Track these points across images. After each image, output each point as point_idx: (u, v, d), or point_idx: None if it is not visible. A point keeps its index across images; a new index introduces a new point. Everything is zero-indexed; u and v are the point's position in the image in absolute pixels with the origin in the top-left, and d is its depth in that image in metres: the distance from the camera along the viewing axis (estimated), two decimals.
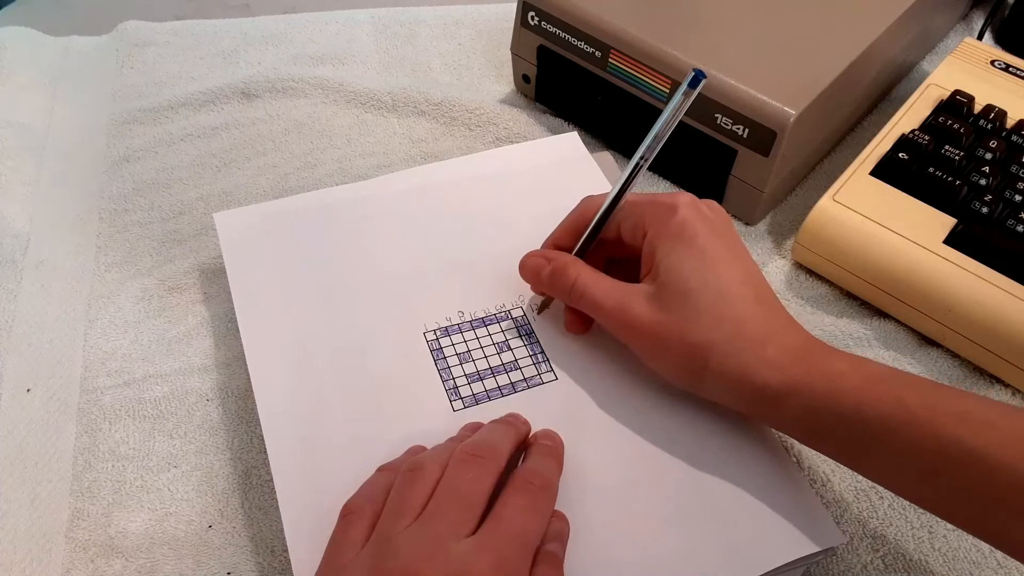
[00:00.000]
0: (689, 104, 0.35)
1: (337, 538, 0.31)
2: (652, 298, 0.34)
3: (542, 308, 0.41)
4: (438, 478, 0.31)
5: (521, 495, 0.30)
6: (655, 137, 0.35)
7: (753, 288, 0.34)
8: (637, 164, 0.36)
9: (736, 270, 0.34)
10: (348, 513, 0.31)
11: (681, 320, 0.33)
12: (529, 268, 0.39)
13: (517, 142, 0.54)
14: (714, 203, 0.37)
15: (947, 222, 0.44)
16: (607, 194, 0.37)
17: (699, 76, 0.34)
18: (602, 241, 0.38)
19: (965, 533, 0.38)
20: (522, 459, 0.34)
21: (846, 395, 0.31)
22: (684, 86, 0.34)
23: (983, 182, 0.45)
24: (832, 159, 0.55)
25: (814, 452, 0.40)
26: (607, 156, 0.51)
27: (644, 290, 0.35)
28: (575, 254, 0.38)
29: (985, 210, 0.44)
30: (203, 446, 0.40)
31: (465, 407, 0.38)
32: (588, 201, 0.39)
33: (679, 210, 0.35)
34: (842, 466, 0.40)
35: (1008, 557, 0.37)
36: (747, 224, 0.51)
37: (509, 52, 0.56)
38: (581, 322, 0.39)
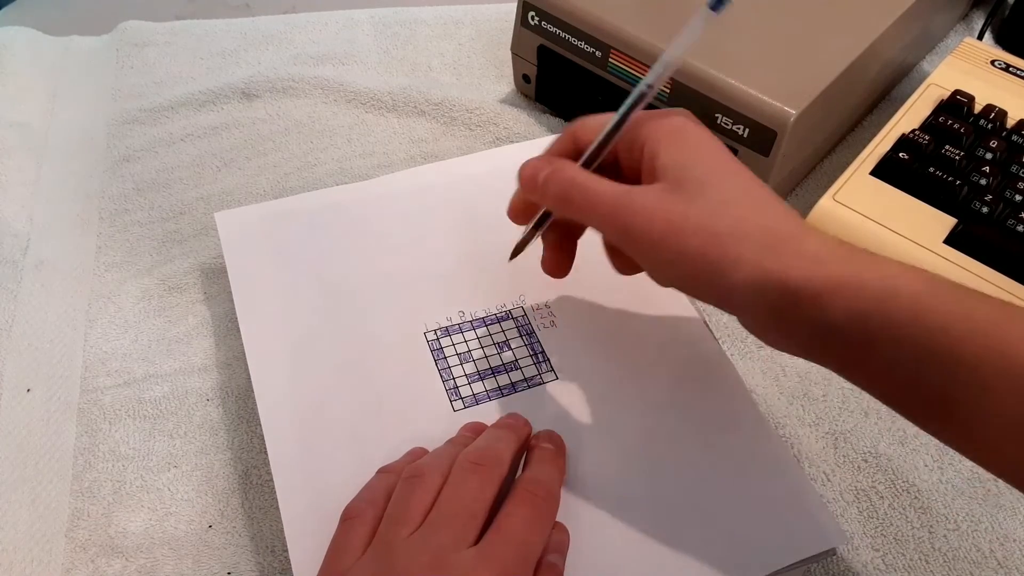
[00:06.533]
0: (701, 30, 0.30)
1: (338, 543, 0.30)
2: (666, 191, 0.30)
3: (516, 252, 0.38)
4: (439, 485, 0.31)
5: (524, 506, 0.30)
6: (665, 64, 0.32)
7: (771, 193, 0.31)
8: (642, 92, 0.32)
9: (750, 175, 0.31)
10: (349, 517, 0.31)
11: (705, 208, 0.29)
12: (528, 169, 0.34)
13: (517, 142, 0.54)
14: None
15: (947, 222, 0.44)
16: (606, 116, 0.33)
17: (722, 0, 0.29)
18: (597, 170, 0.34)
19: (965, 533, 0.38)
20: (523, 464, 0.34)
21: (904, 299, 0.26)
22: (705, 10, 0.30)
23: (983, 182, 0.45)
24: (832, 159, 0.55)
25: (815, 452, 0.40)
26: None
27: (655, 186, 0.31)
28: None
29: (985, 210, 0.44)
30: (203, 446, 0.40)
31: (465, 407, 0.38)
32: (583, 122, 0.35)
33: (679, 115, 0.33)
34: (842, 465, 0.40)
35: (1008, 557, 0.37)
36: None
37: (509, 52, 0.56)
38: (560, 259, 0.36)
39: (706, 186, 0.30)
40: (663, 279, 0.32)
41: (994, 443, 0.26)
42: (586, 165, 0.33)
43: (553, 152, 0.35)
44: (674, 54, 0.32)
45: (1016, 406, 0.25)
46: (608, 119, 0.33)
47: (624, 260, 0.35)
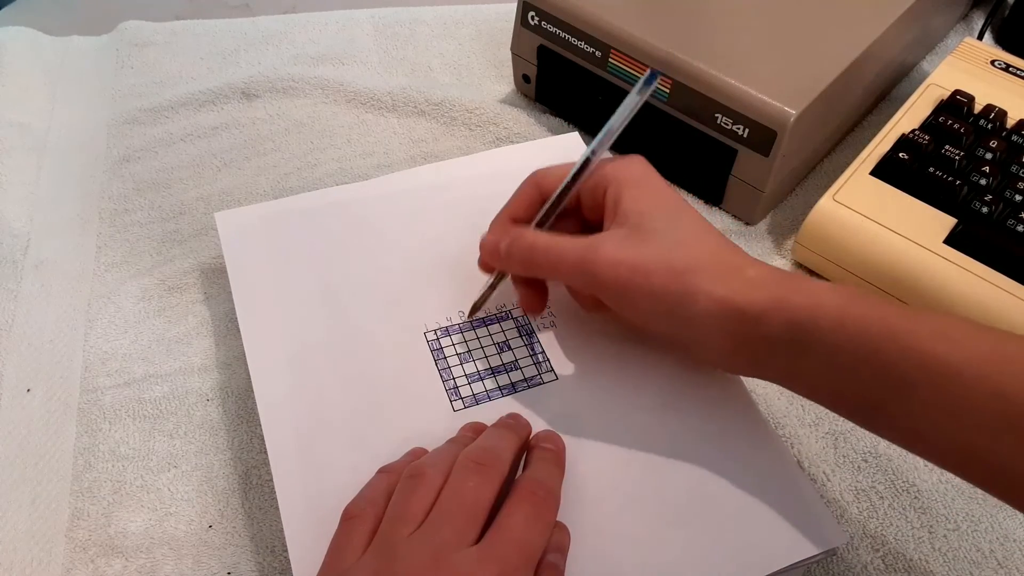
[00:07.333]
0: (643, 101, 0.36)
1: (339, 542, 0.30)
2: (625, 237, 0.34)
3: (474, 310, 0.41)
4: (440, 485, 0.31)
5: (525, 505, 0.30)
6: (608, 132, 0.36)
7: (717, 232, 0.35)
8: (588, 158, 0.36)
9: (700, 218, 0.35)
10: (350, 517, 0.31)
11: (662, 249, 0.33)
12: (488, 245, 0.38)
13: (517, 142, 0.54)
14: None
15: (947, 222, 0.44)
16: (561, 168, 0.37)
17: (655, 74, 0.36)
18: (558, 216, 0.38)
19: (965, 533, 0.38)
20: (523, 464, 0.34)
21: (828, 310, 0.30)
22: (640, 84, 0.36)
23: (983, 182, 0.45)
24: (832, 159, 0.55)
25: (815, 452, 0.40)
26: (607, 156, 0.51)
27: (614, 233, 0.34)
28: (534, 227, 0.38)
29: (985, 210, 0.44)
30: (203, 446, 0.40)
31: (465, 407, 0.38)
32: (541, 175, 0.38)
33: (639, 164, 0.36)
34: (842, 465, 0.40)
35: (1008, 557, 0.37)
36: (747, 224, 0.51)
37: (509, 52, 0.56)
38: (535, 296, 0.39)
39: (664, 229, 0.34)
40: (630, 318, 0.35)
41: (923, 432, 0.29)
42: (544, 218, 0.37)
43: (518, 201, 0.38)
44: (614, 123, 0.36)
45: (938, 398, 0.28)
46: (565, 173, 0.37)
47: (589, 301, 0.38)
